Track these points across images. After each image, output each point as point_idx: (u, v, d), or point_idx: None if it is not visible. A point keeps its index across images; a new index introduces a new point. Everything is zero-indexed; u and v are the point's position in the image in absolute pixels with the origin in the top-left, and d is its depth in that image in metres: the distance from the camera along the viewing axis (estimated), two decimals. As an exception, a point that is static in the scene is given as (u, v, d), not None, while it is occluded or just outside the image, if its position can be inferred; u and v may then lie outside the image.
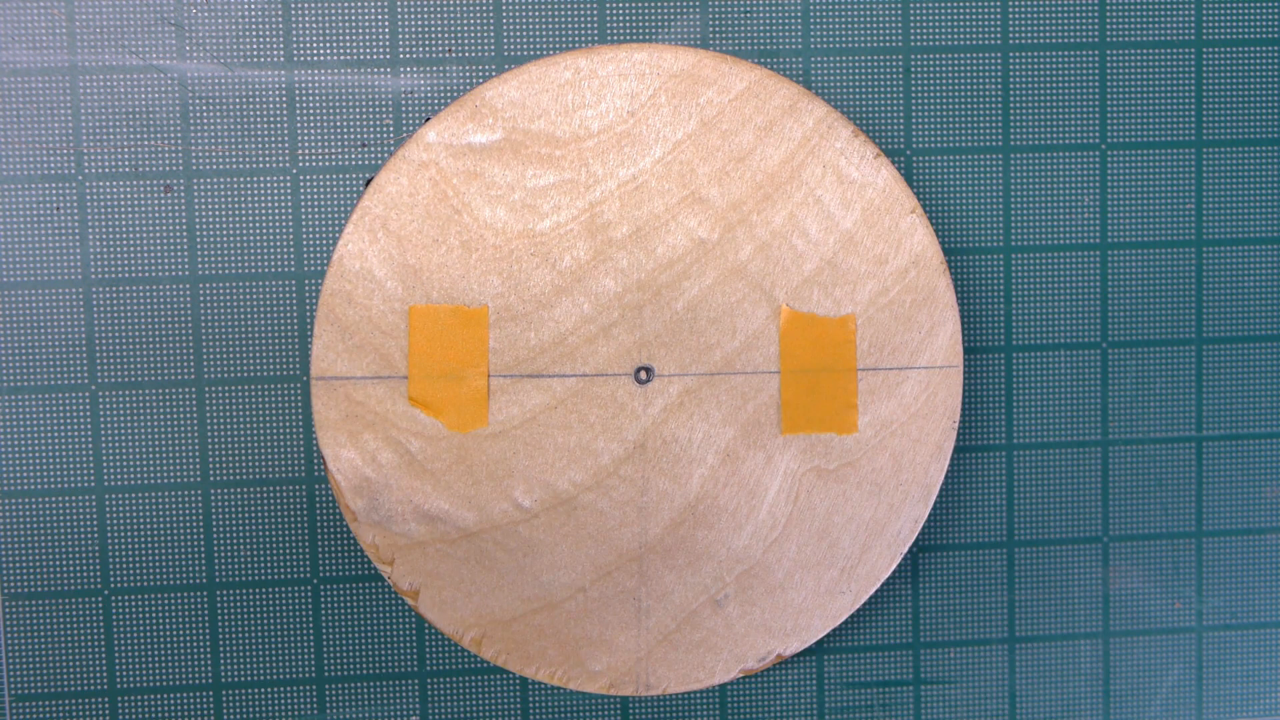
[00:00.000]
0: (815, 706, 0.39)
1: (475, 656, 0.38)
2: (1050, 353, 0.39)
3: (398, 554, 0.35)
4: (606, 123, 0.35)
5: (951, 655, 0.40)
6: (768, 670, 0.39)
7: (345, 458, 0.35)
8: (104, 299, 0.37)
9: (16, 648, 0.37)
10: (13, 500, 0.37)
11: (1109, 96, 0.39)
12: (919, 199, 0.38)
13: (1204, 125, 0.39)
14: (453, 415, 0.35)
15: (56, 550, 0.37)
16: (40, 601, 0.37)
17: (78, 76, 0.36)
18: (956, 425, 0.36)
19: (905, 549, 0.37)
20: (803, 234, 0.36)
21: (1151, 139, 0.39)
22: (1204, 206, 0.39)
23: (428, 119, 0.37)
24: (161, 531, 0.37)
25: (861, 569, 0.37)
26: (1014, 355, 0.39)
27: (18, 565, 0.37)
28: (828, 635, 0.39)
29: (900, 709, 0.40)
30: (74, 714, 0.37)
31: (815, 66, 0.38)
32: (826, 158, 0.36)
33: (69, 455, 0.37)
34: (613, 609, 0.36)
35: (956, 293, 0.39)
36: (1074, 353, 0.39)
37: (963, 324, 0.39)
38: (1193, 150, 0.39)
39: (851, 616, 0.39)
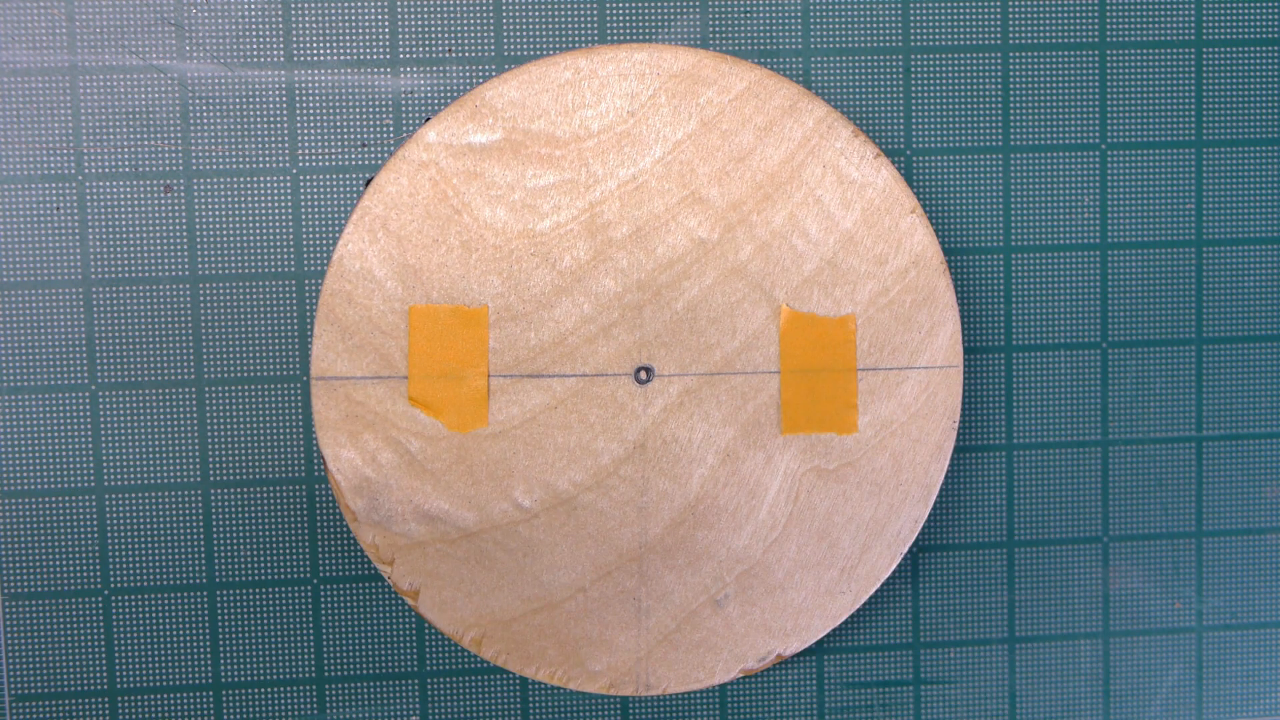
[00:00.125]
0: (815, 706, 0.39)
1: (475, 656, 0.38)
2: (1050, 353, 0.39)
3: (398, 554, 0.35)
4: (606, 123, 0.35)
5: (951, 655, 0.40)
6: (768, 670, 0.39)
7: (345, 458, 0.35)
8: (104, 299, 0.37)
9: (16, 648, 0.37)
10: (13, 500, 0.37)
11: (1109, 96, 0.39)
12: (919, 199, 0.38)
13: (1204, 125, 0.39)
14: (453, 415, 0.35)
15: (56, 550, 0.37)
16: (40, 601, 0.37)
17: (78, 76, 0.36)
18: (956, 425, 0.36)
19: (905, 549, 0.37)
20: (803, 234, 0.36)
21: (1151, 139, 0.39)
22: (1204, 206, 0.39)
23: (428, 119, 0.37)
24: (161, 531, 0.37)
25: (861, 569, 0.37)
26: (1014, 355, 0.39)
27: (18, 565, 0.37)
28: (828, 635, 0.39)
29: (900, 709, 0.40)
30: (74, 714, 0.37)
31: (815, 66, 0.38)
32: (826, 158, 0.36)
33: (69, 455, 0.37)
34: (613, 609, 0.36)
35: (956, 293, 0.39)
36: (1074, 353, 0.39)
37: (963, 324, 0.39)
38: (1193, 150, 0.39)
39: (851, 616, 0.39)
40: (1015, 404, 0.39)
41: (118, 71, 0.36)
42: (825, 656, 0.39)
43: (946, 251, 0.39)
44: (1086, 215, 0.39)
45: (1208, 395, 0.40)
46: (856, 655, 0.40)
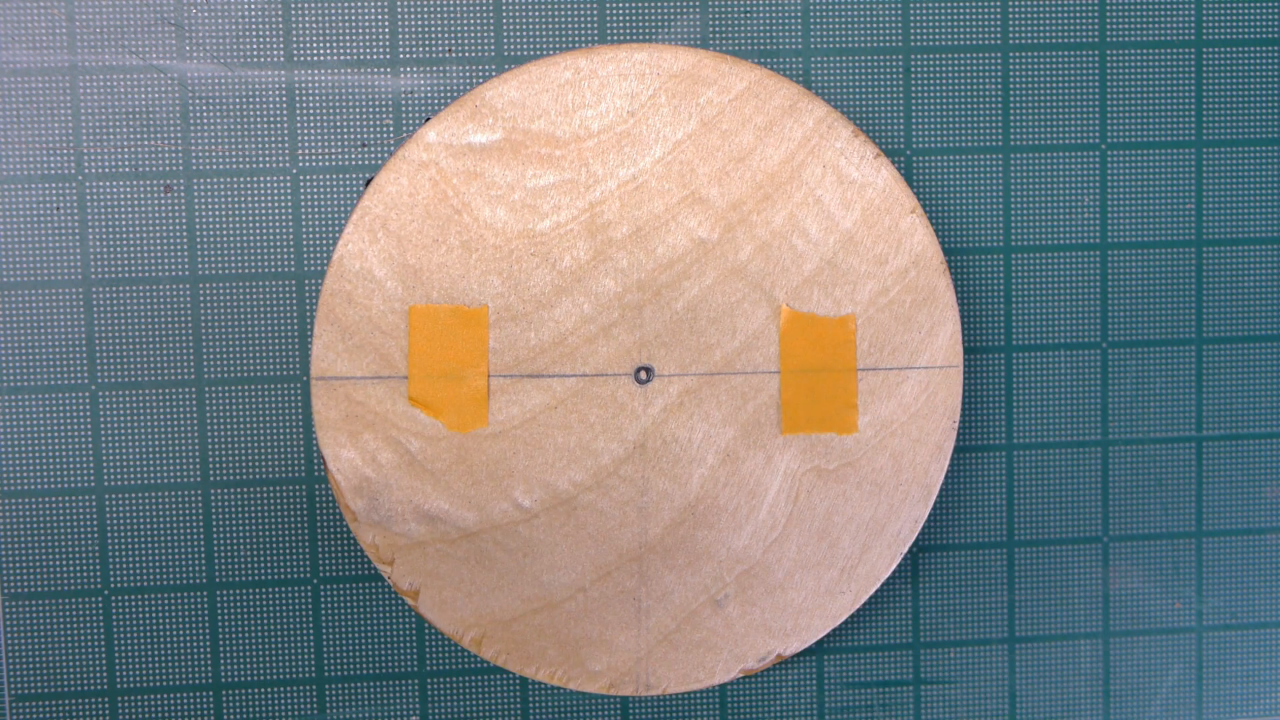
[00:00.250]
0: (815, 706, 0.39)
1: (475, 656, 0.38)
2: (1050, 353, 0.39)
3: (398, 554, 0.35)
4: (606, 123, 0.35)
5: (951, 655, 0.40)
6: (768, 670, 0.39)
7: (345, 458, 0.35)
8: (104, 299, 0.37)
9: (16, 648, 0.37)
10: (13, 500, 0.37)
11: (1109, 96, 0.39)
12: (919, 199, 0.38)
13: (1204, 125, 0.39)
14: (453, 415, 0.35)
15: (56, 550, 0.37)
16: (40, 601, 0.37)
17: (78, 76, 0.36)
18: (956, 425, 0.36)
19: (905, 549, 0.37)
20: (803, 234, 0.36)
21: (1151, 139, 0.39)
22: (1204, 206, 0.39)
23: (428, 119, 0.37)
24: (161, 531, 0.37)
25: (861, 569, 0.37)
26: (1014, 355, 0.39)
27: (18, 565, 0.37)
28: (828, 635, 0.39)
29: (900, 709, 0.40)
30: (74, 714, 0.37)
31: (815, 66, 0.38)
32: (826, 158, 0.36)
33: (69, 455, 0.37)
34: (613, 609, 0.36)
35: (956, 293, 0.39)
36: (1074, 353, 0.39)
37: (963, 324, 0.39)
38: (1193, 150, 0.39)
39: (851, 616, 0.39)
40: (1015, 404, 0.39)
41: (118, 71, 0.36)
42: (825, 656, 0.39)
43: (946, 251, 0.39)
44: (1086, 215, 0.39)
45: (1208, 395, 0.40)
46: (856, 655, 0.40)
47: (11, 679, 0.37)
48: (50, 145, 0.36)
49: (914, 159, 0.38)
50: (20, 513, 0.37)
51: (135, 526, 0.37)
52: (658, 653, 0.36)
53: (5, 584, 0.37)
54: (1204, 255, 0.40)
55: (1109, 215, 0.39)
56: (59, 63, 0.36)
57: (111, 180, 0.36)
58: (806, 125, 0.36)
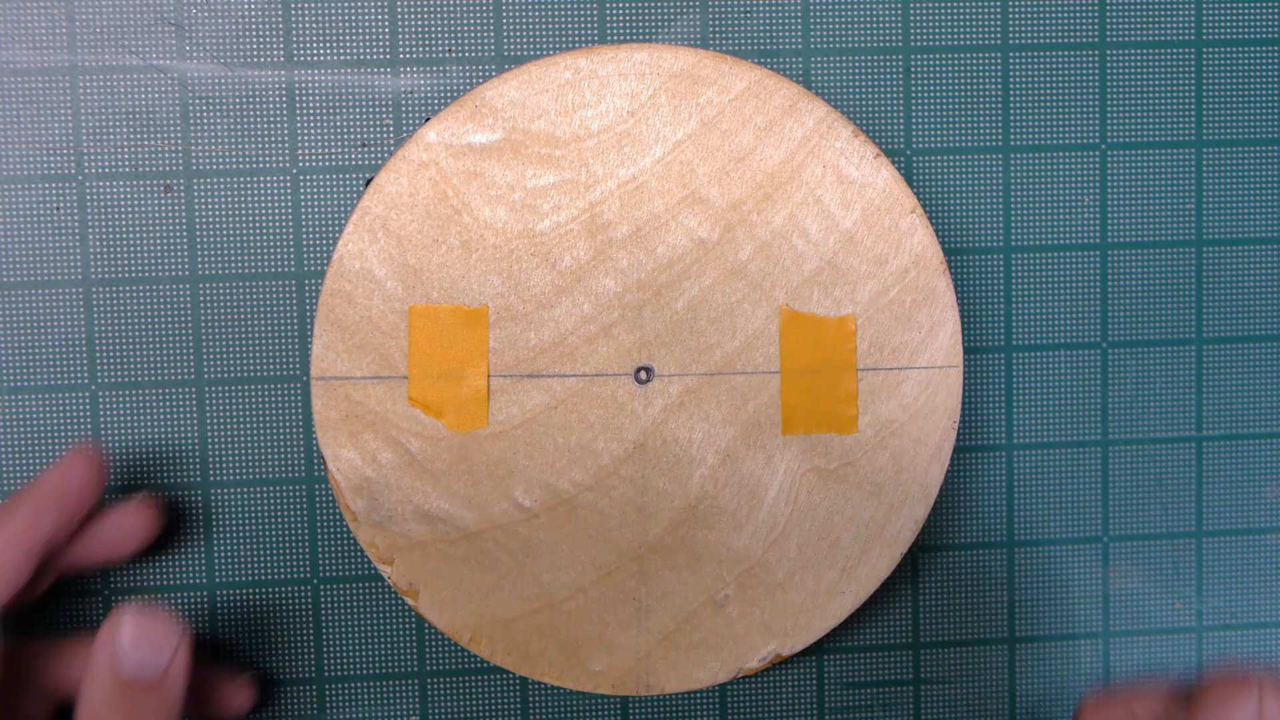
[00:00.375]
0: (815, 706, 0.39)
1: (475, 656, 0.38)
2: (1050, 353, 0.39)
3: (398, 554, 0.35)
4: (606, 123, 0.35)
5: (951, 655, 0.40)
6: (768, 670, 0.39)
7: (345, 458, 0.35)
8: (104, 299, 0.37)
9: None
10: (13, 500, 0.37)
11: (1109, 96, 0.39)
12: (919, 199, 0.38)
13: (1204, 125, 0.39)
14: (453, 415, 0.35)
15: (56, 550, 0.37)
16: (40, 601, 0.37)
17: (78, 76, 0.36)
18: (956, 425, 0.36)
19: (905, 549, 0.37)
20: (803, 234, 0.36)
21: (1151, 139, 0.39)
22: (1204, 206, 0.39)
23: (428, 119, 0.37)
24: (162, 531, 0.37)
25: (861, 569, 0.37)
26: (1014, 355, 0.39)
27: (18, 565, 0.37)
28: (828, 635, 0.39)
29: (900, 709, 0.40)
30: (74, 714, 0.37)
31: (815, 66, 0.38)
32: (826, 158, 0.36)
33: (69, 455, 0.37)
34: (613, 609, 0.36)
35: (956, 293, 0.39)
36: (1074, 353, 0.39)
37: (963, 324, 0.39)
38: (1193, 150, 0.39)
39: (851, 616, 0.39)
40: (1015, 404, 0.39)
41: (118, 71, 0.36)
42: (825, 656, 0.39)
43: (946, 251, 0.39)
44: (1086, 215, 0.39)
45: (1208, 395, 0.40)
46: (856, 655, 0.39)
47: (11, 679, 0.37)
48: (50, 145, 0.36)
49: (914, 159, 0.38)
50: (20, 513, 0.37)
51: (135, 526, 0.37)
52: (658, 653, 0.36)
53: (5, 584, 0.37)
54: (1204, 255, 0.40)
55: (1109, 215, 0.39)
56: (59, 63, 0.36)
57: (111, 180, 0.36)
58: (806, 125, 0.36)
